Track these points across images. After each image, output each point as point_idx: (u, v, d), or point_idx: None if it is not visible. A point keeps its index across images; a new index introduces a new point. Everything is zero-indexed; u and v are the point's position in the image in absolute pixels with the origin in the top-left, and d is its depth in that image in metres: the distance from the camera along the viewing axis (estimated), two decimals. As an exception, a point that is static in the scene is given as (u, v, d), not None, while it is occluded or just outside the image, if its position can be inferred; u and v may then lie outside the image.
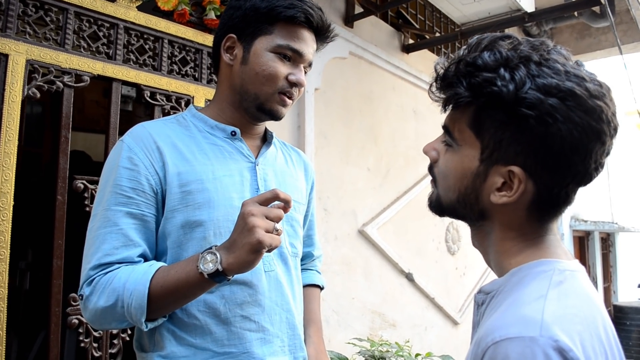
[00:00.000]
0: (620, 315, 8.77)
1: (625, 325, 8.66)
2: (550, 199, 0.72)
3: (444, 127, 0.79)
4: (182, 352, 1.08)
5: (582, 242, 8.62)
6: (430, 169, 0.82)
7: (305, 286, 1.41)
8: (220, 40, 1.20)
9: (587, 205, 8.31)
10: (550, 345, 0.58)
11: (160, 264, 1.06)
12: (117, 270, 1.03)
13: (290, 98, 1.18)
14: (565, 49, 0.73)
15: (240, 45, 1.17)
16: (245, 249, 0.93)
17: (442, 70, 0.74)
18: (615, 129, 0.70)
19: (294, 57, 1.16)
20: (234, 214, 1.11)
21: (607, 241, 9.76)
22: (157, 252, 1.12)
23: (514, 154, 0.69)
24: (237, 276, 1.10)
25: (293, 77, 1.15)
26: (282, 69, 1.15)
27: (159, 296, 1.00)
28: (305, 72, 1.21)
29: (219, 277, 0.96)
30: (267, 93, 1.15)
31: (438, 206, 0.82)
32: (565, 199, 0.72)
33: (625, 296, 9.80)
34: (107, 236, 1.04)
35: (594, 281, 8.62)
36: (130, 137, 1.12)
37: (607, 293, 9.39)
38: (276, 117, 1.20)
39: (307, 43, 1.17)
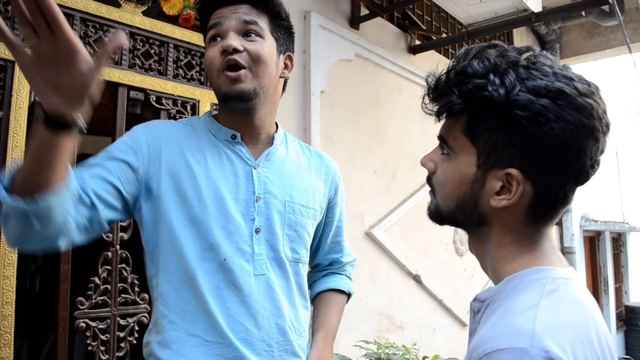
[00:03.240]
0: (631, 316, 8.70)
1: (636, 326, 8.59)
2: (548, 200, 0.72)
3: (440, 137, 0.80)
4: (175, 337, 1.11)
5: (592, 242, 8.54)
6: (429, 180, 0.84)
7: (327, 290, 1.40)
8: None
9: (598, 205, 8.23)
10: (541, 356, 0.58)
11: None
12: None
13: (232, 70, 1.12)
14: (552, 54, 0.74)
15: None
16: None
17: (433, 82, 0.76)
18: (607, 126, 0.71)
19: (218, 32, 1.15)
20: (226, 212, 1.14)
21: (618, 241, 9.67)
22: (147, 239, 1.16)
23: (510, 156, 0.70)
24: (224, 275, 1.12)
25: (220, 47, 1.12)
26: (213, 50, 1.14)
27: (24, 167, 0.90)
28: (252, 34, 1.15)
29: (50, 121, 0.84)
30: (216, 81, 1.15)
31: (437, 215, 0.83)
32: (563, 200, 0.73)
33: (637, 296, 9.71)
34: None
35: (605, 281, 8.54)
36: (142, 125, 1.19)
37: (619, 293, 9.30)
38: (232, 96, 1.14)
39: (224, 14, 1.15)
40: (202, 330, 1.10)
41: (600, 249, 8.67)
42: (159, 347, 1.12)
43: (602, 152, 0.72)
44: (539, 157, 0.69)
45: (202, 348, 1.10)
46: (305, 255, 1.27)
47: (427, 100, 0.78)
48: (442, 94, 0.74)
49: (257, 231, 1.17)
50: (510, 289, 0.71)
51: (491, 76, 0.70)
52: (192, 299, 1.11)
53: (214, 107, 2.54)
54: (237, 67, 1.12)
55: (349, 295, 1.44)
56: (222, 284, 1.12)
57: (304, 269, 1.28)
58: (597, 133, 0.69)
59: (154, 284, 1.16)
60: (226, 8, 1.16)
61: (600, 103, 0.70)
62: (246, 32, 1.14)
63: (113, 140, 2.20)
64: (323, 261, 1.42)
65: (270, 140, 1.27)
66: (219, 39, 1.14)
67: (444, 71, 0.76)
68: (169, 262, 1.12)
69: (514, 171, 0.70)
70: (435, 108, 0.77)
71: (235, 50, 1.11)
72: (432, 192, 0.83)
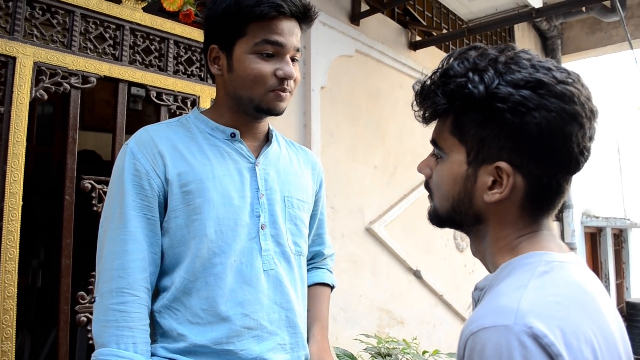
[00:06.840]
0: (632, 312, 8.67)
1: (638, 322, 8.56)
2: (542, 190, 0.74)
3: (432, 141, 0.83)
4: (183, 348, 1.11)
5: (593, 239, 8.54)
6: (427, 185, 0.86)
7: (314, 285, 1.41)
8: (205, 52, 1.22)
9: (599, 201, 8.22)
10: (524, 332, 0.60)
11: None
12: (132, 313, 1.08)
13: (284, 92, 1.17)
14: (553, 50, 0.76)
15: (223, 54, 1.19)
16: None
17: (419, 88, 0.80)
18: (592, 112, 0.73)
19: (275, 51, 1.14)
20: (234, 212, 1.15)
21: (620, 237, 9.65)
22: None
23: (497, 150, 0.72)
24: (237, 275, 1.14)
25: (280, 72, 1.14)
26: (267, 67, 1.14)
27: None
28: (295, 60, 1.20)
29: None
30: (260, 94, 1.16)
31: (436, 217, 0.85)
32: (557, 189, 0.74)
33: (638, 293, 9.69)
34: (124, 244, 1.11)
35: (606, 278, 8.53)
36: (134, 143, 1.17)
37: (620, 289, 9.29)
38: (275, 113, 1.21)
39: (285, 32, 1.15)
40: (210, 341, 1.11)
41: (602, 245, 8.67)
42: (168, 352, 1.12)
43: (590, 138, 0.73)
44: (525, 147, 0.71)
45: (212, 357, 1.11)
46: (305, 248, 1.30)
47: (415, 107, 0.80)
48: (427, 97, 0.77)
49: (263, 227, 1.19)
50: (505, 275, 0.72)
51: (471, 74, 0.72)
52: (204, 308, 1.12)
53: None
54: (285, 91, 1.18)
55: (332, 287, 1.47)
56: (235, 285, 1.13)
57: (305, 261, 1.31)
58: (581, 118, 0.71)
59: (160, 297, 1.17)
60: (286, 23, 1.15)
61: (582, 90, 0.72)
62: (293, 57, 1.19)
63: (114, 137, 2.21)
64: (306, 254, 1.44)
65: (265, 137, 1.29)
66: (272, 54, 1.15)
67: (429, 76, 0.79)
68: (177, 276, 1.14)
69: (502, 164, 0.72)
70: (423, 112, 0.80)
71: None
72: (430, 196, 0.85)
